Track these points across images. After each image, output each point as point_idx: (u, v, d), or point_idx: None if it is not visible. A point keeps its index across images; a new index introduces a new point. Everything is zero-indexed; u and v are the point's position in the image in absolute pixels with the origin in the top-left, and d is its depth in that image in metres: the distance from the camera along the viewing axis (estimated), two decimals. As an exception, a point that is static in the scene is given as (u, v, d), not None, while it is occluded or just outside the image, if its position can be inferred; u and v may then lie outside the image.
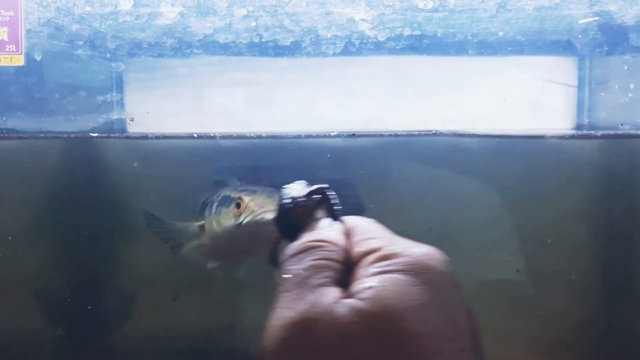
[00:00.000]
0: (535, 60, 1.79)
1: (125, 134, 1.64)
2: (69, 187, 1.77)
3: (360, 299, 0.49)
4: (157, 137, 1.62)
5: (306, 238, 0.56)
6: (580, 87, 1.90)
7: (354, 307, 0.48)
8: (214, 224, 1.45)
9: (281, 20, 1.55)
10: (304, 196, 0.62)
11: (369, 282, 0.50)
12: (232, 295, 1.88)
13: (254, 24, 1.57)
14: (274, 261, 0.63)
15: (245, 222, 1.31)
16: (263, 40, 1.58)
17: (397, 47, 1.53)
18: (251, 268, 1.87)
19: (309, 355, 0.47)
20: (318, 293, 0.51)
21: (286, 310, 0.50)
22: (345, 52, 1.55)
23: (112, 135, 1.65)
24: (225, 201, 1.44)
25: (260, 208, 1.31)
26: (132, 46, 1.63)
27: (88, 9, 1.60)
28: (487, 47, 1.52)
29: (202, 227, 1.51)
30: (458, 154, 1.80)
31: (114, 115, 1.62)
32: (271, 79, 1.81)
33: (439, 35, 1.52)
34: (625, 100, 1.76)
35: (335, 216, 0.62)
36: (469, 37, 1.51)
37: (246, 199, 1.34)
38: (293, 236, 0.60)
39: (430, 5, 1.47)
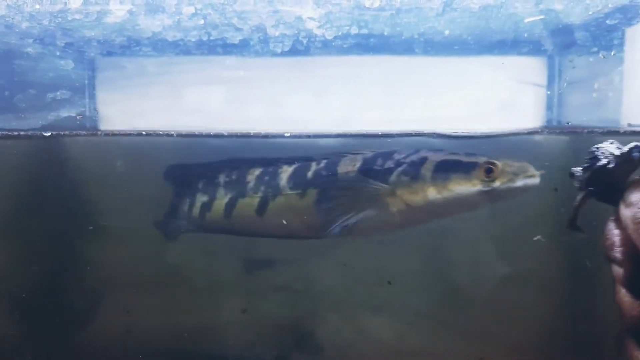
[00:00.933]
0: (502, 60, 1.79)
1: (75, 132, 1.63)
2: (21, 185, 1.76)
3: None
4: (107, 134, 1.61)
5: None
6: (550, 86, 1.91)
7: None
8: (433, 190, 1.34)
9: (229, 19, 1.55)
10: (624, 154, 0.59)
11: None
12: (201, 294, 1.88)
13: (202, 22, 1.56)
14: (574, 225, 0.62)
15: (502, 187, 1.28)
16: (212, 38, 1.57)
17: (345, 46, 1.53)
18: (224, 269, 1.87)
19: None
20: None
21: None
22: (293, 50, 1.54)
23: (62, 133, 1.63)
24: (447, 166, 1.34)
25: (521, 173, 1.28)
26: (82, 44, 1.62)
27: (37, 6, 1.58)
28: (434, 45, 1.52)
29: (393, 192, 1.39)
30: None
31: (63, 113, 1.61)
32: (244, 78, 1.80)
33: (386, 34, 1.52)
34: (591, 98, 1.76)
35: None
36: (416, 36, 1.51)
37: (499, 164, 1.29)
38: (609, 196, 0.58)
39: (377, 4, 1.46)
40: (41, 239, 1.82)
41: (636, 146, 0.60)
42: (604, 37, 1.61)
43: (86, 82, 1.72)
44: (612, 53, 1.53)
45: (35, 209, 1.70)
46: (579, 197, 0.61)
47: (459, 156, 1.37)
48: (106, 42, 1.61)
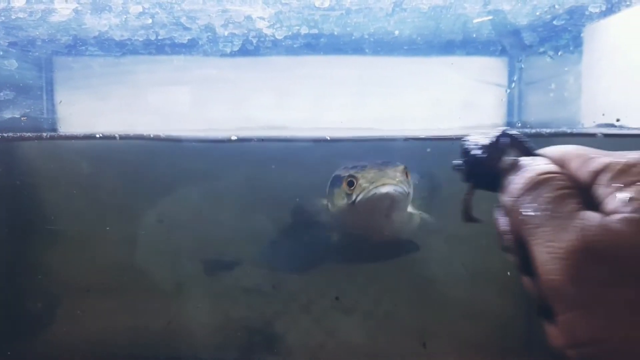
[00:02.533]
0: (467, 61, 1.80)
1: (19, 135, 1.58)
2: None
3: (629, 212, 0.48)
4: (52, 138, 1.56)
5: (527, 174, 0.55)
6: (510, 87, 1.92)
7: (627, 219, 0.48)
8: (329, 205, 1.43)
9: (178, 18, 1.52)
10: (492, 142, 0.60)
11: (623, 195, 0.49)
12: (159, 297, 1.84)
13: (150, 21, 1.53)
14: (469, 217, 0.62)
15: (358, 200, 1.30)
16: (159, 37, 1.54)
17: (295, 46, 1.52)
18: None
19: (608, 273, 0.47)
20: (580, 217, 0.50)
21: (554, 243, 0.49)
22: (243, 50, 1.52)
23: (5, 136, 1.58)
24: (337, 181, 1.41)
25: (371, 184, 1.28)
26: (26, 43, 1.58)
27: (-21, 4, 1.54)
28: (384, 46, 1.52)
29: (326, 205, 1.49)
30: (387, 155, 1.79)
31: (7, 115, 1.56)
32: (207, 79, 1.78)
33: (336, 34, 1.51)
34: (548, 98, 1.78)
35: (531, 154, 0.59)
36: (366, 36, 1.50)
37: (357, 176, 1.32)
38: (490, 185, 0.59)
39: (326, 4, 1.45)
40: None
41: (502, 133, 0.61)
42: (553, 38, 1.62)
43: (30, 82, 1.67)
44: (559, 53, 1.54)
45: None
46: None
47: (346, 170, 1.38)
48: (51, 42, 1.57)
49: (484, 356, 1.88)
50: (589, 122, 1.70)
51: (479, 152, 0.60)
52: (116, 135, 1.61)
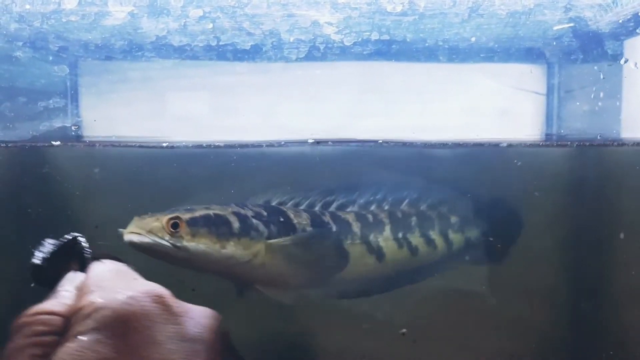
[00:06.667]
0: (505, 68, 1.74)
1: (62, 141, 1.50)
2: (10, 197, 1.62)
3: None
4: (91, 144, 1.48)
5: (25, 312, 0.55)
6: (549, 95, 1.86)
7: None
8: None
9: (240, 23, 1.44)
10: (52, 253, 0.62)
11: (62, 351, 0.49)
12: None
13: (211, 25, 1.45)
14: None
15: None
16: (221, 43, 1.47)
17: (365, 52, 1.45)
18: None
19: None
20: None
21: None
22: (309, 56, 1.45)
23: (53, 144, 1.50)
24: None
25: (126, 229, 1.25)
26: (78, 48, 1.50)
27: (28, 6, 1.46)
28: (459, 53, 1.45)
29: None
30: (427, 163, 1.73)
31: (57, 123, 1.48)
32: (234, 84, 1.71)
33: (408, 40, 1.44)
34: (596, 108, 1.72)
35: (84, 266, 0.61)
36: (440, 43, 1.43)
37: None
38: (51, 286, 0.60)
39: (399, 9, 1.38)
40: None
41: (71, 239, 0.64)
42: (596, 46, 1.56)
43: (68, 85, 1.59)
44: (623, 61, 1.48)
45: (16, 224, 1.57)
46: None
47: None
48: (105, 47, 1.49)
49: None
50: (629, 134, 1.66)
51: (38, 261, 0.62)
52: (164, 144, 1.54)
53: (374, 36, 1.43)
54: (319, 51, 1.45)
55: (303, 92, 1.72)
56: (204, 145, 1.52)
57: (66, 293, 0.57)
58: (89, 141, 1.50)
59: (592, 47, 1.56)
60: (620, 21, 1.39)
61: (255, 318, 1.79)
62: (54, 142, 1.52)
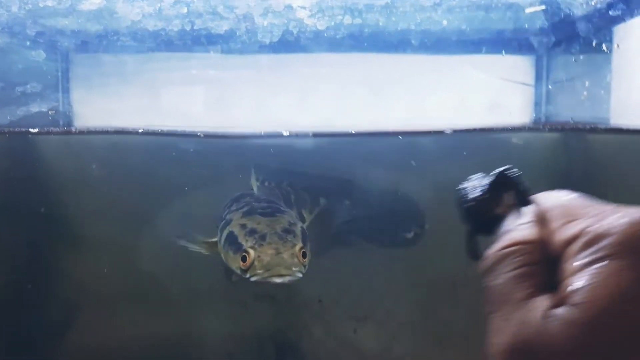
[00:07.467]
0: (493, 59, 1.74)
1: (47, 129, 1.51)
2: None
3: (572, 306, 0.42)
4: (82, 132, 1.49)
5: (496, 246, 0.50)
6: (537, 86, 1.87)
7: (566, 320, 0.42)
8: (226, 258, 1.27)
9: (214, 7, 1.45)
10: (484, 191, 0.58)
11: (578, 280, 0.43)
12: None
13: (185, 9, 1.46)
14: (475, 256, 0.58)
15: (253, 280, 1.16)
16: (195, 27, 1.47)
17: (337, 37, 1.45)
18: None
19: None
20: (525, 309, 0.45)
21: (498, 335, 0.45)
22: (282, 41, 1.46)
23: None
24: (231, 240, 1.24)
25: (266, 271, 1.14)
26: (54, 33, 1.51)
27: (5, -8, 1.47)
28: (430, 36, 1.45)
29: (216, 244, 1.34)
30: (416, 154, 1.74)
31: (34, 108, 1.49)
32: (225, 77, 1.71)
33: (380, 24, 1.44)
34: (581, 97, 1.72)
35: (524, 201, 0.56)
36: (412, 27, 1.44)
37: (252, 253, 1.16)
38: (488, 230, 0.56)
39: (371, -7, 1.39)
40: (9, 247, 1.70)
41: (499, 174, 0.59)
42: (598, 31, 1.56)
43: (59, 75, 1.60)
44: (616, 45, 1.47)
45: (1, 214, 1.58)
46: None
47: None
48: (81, 32, 1.50)
49: None
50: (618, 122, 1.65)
51: (470, 202, 0.59)
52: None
53: (347, 20, 1.43)
54: (292, 35, 1.46)
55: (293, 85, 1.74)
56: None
57: (523, 230, 0.51)
58: (66, 129, 1.51)
59: (576, 36, 1.56)
60: (594, 3, 1.39)
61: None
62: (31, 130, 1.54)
